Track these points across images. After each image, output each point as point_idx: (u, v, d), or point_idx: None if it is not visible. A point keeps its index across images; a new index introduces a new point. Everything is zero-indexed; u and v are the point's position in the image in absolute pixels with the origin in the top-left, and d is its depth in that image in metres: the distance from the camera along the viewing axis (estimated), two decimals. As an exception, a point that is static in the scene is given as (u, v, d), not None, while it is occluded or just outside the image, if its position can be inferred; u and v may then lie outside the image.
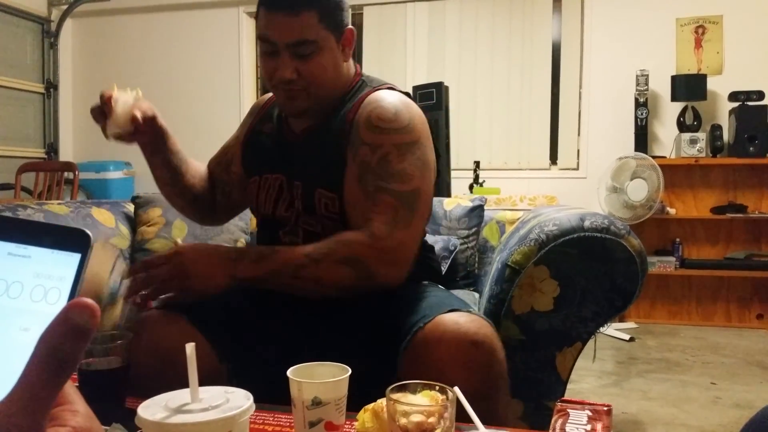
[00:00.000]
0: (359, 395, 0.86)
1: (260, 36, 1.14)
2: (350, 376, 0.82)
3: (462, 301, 1.14)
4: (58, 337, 0.29)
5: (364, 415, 0.88)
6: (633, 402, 2.45)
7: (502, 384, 1.01)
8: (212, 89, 4.79)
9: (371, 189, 1.10)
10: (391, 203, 1.09)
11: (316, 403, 0.78)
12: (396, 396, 0.73)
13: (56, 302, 0.33)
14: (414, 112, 1.16)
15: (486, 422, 0.95)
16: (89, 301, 0.30)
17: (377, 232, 1.07)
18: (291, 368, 0.82)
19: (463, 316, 0.99)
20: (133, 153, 5.30)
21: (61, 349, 0.29)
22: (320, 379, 0.80)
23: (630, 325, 3.83)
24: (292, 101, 1.16)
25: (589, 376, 2.78)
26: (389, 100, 1.16)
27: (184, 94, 4.86)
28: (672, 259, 3.88)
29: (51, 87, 4.97)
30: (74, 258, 0.34)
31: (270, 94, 1.36)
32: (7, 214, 1.69)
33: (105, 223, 2.00)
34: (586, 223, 1.29)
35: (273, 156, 1.27)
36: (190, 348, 0.58)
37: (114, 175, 4.68)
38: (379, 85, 1.22)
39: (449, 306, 1.03)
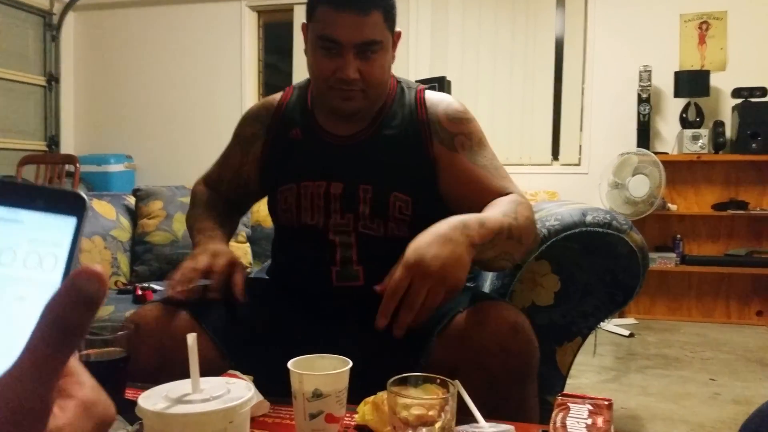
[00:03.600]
0: (377, 384, 0.87)
1: (323, 35, 1.10)
2: (371, 363, 0.83)
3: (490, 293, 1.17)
4: (65, 306, 0.27)
5: (365, 407, 0.88)
6: (632, 397, 2.45)
7: (535, 373, 1.04)
8: (214, 83, 4.78)
9: (489, 165, 1.18)
10: (508, 176, 1.20)
11: (317, 395, 0.78)
12: (396, 389, 0.73)
13: (53, 269, 0.31)
14: None
15: (518, 408, 0.98)
16: (98, 268, 0.28)
17: (521, 193, 1.16)
18: (291, 360, 0.82)
19: (501, 304, 1.04)
20: (135, 146, 5.27)
21: (69, 319, 0.27)
22: (321, 372, 0.80)
23: (630, 321, 3.83)
24: (349, 102, 1.14)
25: (589, 371, 2.79)
26: (450, 97, 1.25)
27: (186, 87, 4.85)
28: (673, 255, 3.88)
29: (52, 80, 4.96)
30: (70, 222, 0.32)
31: (272, 99, 1.31)
32: None
33: (106, 215, 2.00)
34: (588, 218, 1.29)
35: (313, 162, 1.21)
36: (191, 338, 0.58)
37: (115, 168, 4.68)
38: (417, 86, 1.27)
39: (485, 295, 1.09)
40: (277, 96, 1.31)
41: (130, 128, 4.98)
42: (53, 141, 4.99)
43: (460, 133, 1.19)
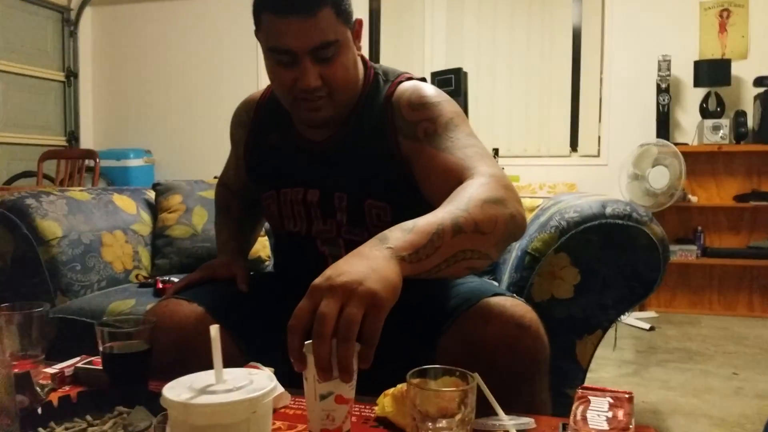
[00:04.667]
0: (390, 380, 0.87)
1: (273, 47, 1.02)
2: (381, 361, 0.82)
3: (499, 287, 1.13)
4: None
5: (384, 399, 0.88)
6: (653, 391, 2.43)
7: (545, 369, 1.00)
8: (231, 77, 4.80)
9: (452, 146, 1.03)
10: (480, 152, 1.02)
11: None
12: (417, 381, 0.73)
13: None
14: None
15: (528, 405, 0.95)
16: None
17: (491, 171, 0.96)
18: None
19: (508, 300, 0.99)
20: (154, 141, 5.32)
21: None
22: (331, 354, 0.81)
23: (650, 314, 3.80)
24: (317, 112, 1.06)
25: (609, 365, 2.77)
26: (420, 84, 1.13)
27: (203, 82, 4.88)
28: (693, 247, 3.84)
29: (71, 75, 5.02)
30: None
31: (252, 99, 1.28)
32: (31, 201, 1.72)
33: (126, 209, 2.03)
34: (608, 210, 1.28)
35: (290, 169, 1.18)
36: (214, 330, 0.59)
37: (134, 162, 4.73)
38: (397, 77, 1.16)
39: (492, 290, 1.02)
40: (257, 95, 1.28)
41: (148, 123, 5.03)
42: (73, 136, 5.05)
43: (423, 119, 1.07)
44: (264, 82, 4.81)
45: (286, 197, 1.17)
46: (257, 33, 1.07)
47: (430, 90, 1.11)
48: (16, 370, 0.84)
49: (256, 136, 1.24)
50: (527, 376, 0.97)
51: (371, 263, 0.76)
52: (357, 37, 1.09)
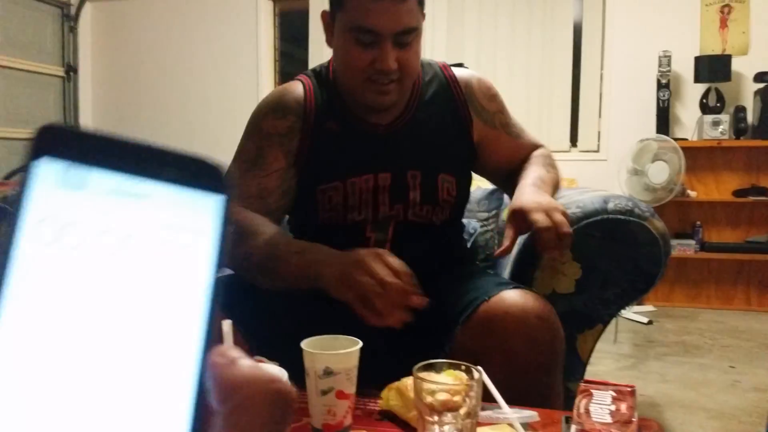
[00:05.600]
0: (395, 374, 0.88)
1: (358, 26, 1.04)
2: (389, 354, 0.84)
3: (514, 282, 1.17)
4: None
5: (389, 393, 0.89)
6: (650, 384, 2.45)
7: (562, 361, 1.04)
8: (230, 72, 4.80)
9: (520, 132, 1.34)
10: (527, 130, 1.38)
11: (328, 373, 0.81)
12: (422, 374, 0.74)
13: (196, 272, 0.21)
14: None
15: (544, 397, 0.98)
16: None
17: (545, 146, 1.37)
18: (305, 340, 0.84)
19: (526, 293, 1.03)
20: (152, 137, 5.29)
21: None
22: (332, 351, 0.83)
23: (648, 308, 3.81)
24: (385, 96, 1.10)
25: (607, 358, 2.78)
26: (473, 73, 1.29)
27: (203, 77, 4.87)
28: (692, 242, 3.85)
29: (71, 71, 5.01)
30: (215, 201, 0.21)
31: (295, 87, 1.19)
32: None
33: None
34: (610, 206, 1.28)
35: (356, 156, 1.15)
36: (227, 325, 0.60)
37: (134, 157, 4.73)
38: (438, 61, 1.29)
39: (509, 284, 1.07)
40: (297, 86, 1.20)
41: (147, 119, 5.02)
42: (72, 131, 5.05)
43: (498, 111, 1.27)
44: (264, 80, 4.81)
45: (354, 187, 1.13)
46: (331, 13, 1.11)
47: (487, 80, 1.30)
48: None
49: (314, 124, 1.16)
50: (545, 368, 0.99)
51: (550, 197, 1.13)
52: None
